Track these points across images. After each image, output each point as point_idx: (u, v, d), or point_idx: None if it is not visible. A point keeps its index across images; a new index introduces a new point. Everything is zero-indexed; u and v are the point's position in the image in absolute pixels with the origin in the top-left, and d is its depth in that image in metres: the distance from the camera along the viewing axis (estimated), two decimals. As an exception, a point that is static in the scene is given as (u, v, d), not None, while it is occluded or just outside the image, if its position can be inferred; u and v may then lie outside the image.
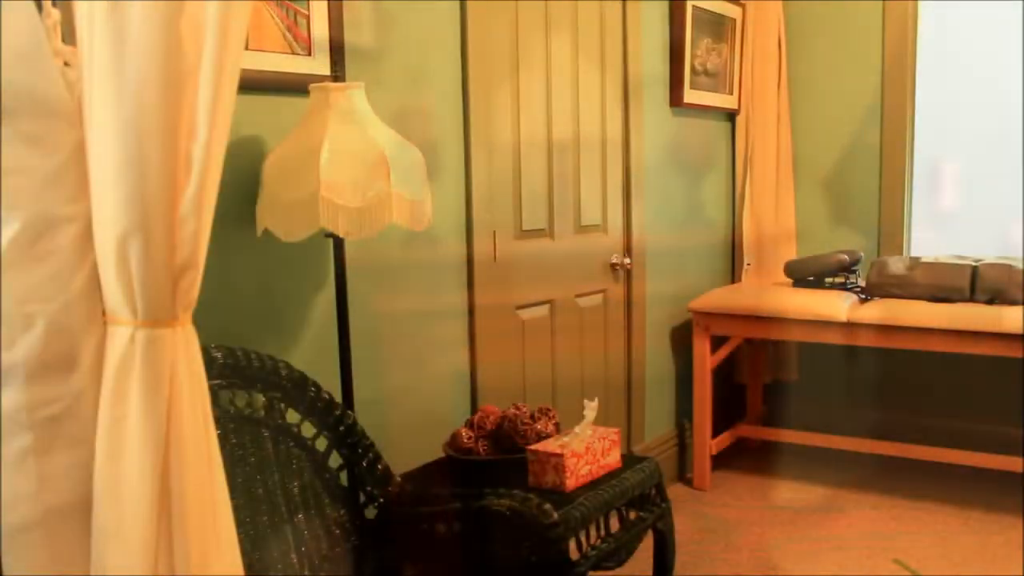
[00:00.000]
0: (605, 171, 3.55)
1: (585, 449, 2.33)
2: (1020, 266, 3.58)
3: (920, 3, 4.39)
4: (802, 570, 3.29)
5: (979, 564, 3.33)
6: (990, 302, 3.56)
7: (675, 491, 4.10)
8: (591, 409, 2.38)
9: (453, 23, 2.77)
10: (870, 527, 3.67)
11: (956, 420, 4.45)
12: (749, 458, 4.53)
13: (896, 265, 3.83)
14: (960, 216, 4.40)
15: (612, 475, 2.40)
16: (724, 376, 4.63)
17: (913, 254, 4.44)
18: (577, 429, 2.36)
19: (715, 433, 4.28)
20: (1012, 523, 3.68)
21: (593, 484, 2.33)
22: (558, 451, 2.28)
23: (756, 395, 4.62)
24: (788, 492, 4.06)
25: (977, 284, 3.60)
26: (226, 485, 1.41)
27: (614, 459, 2.45)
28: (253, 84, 2.19)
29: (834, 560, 3.38)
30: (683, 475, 4.26)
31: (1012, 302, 3.52)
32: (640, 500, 2.48)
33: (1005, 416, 4.36)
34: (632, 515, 2.45)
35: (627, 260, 3.64)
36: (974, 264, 3.66)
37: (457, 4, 2.78)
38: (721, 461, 4.44)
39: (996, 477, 4.19)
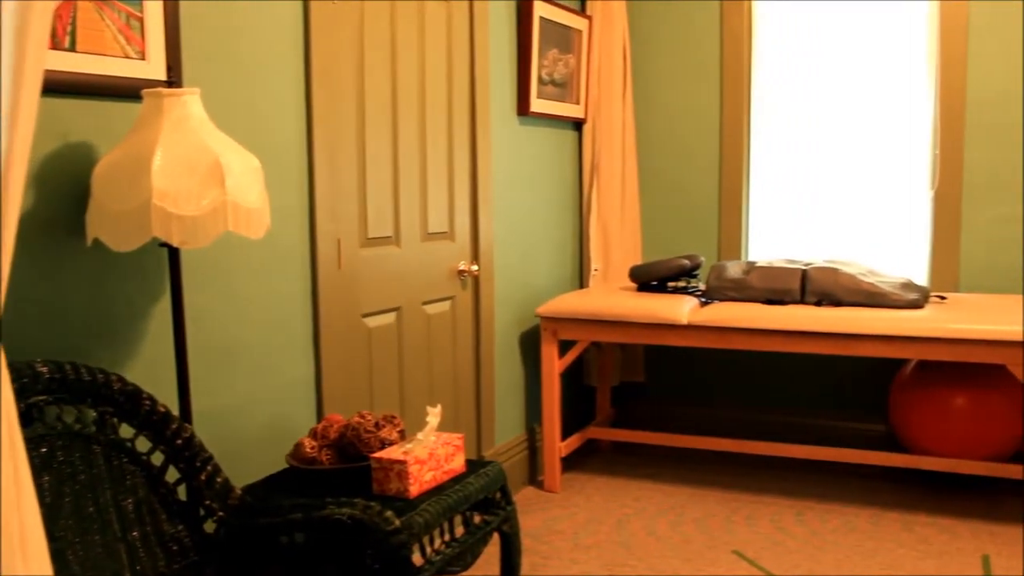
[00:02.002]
0: (452, 178, 3.58)
1: (428, 455, 2.35)
2: (846, 270, 3.80)
3: (756, 22, 4.61)
4: (648, 566, 3.39)
5: (811, 550, 3.51)
6: (818, 304, 3.76)
7: (526, 494, 4.17)
8: (434, 415, 2.40)
9: (296, 27, 2.74)
10: (712, 521, 3.81)
11: (793, 416, 4.69)
12: (599, 459, 4.64)
13: (733, 269, 4.00)
14: (792, 221, 4.62)
15: (456, 480, 2.42)
16: (573, 379, 4.73)
17: (750, 258, 4.65)
18: (420, 435, 2.37)
19: (565, 436, 4.37)
20: (841, 512, 3.89)
21: (437, 490, 2.35)
22: (401, 458, 2.28)
23: (605, 397, 4.74)
24: (636, 491, 4.18)
25: (807, 287, 3.79)
26: (37, 507, 1.35)
27: (458, 464, 2.47)
28: (83, 89, 2.12)
29: (678, 554, 3.50)
30: (534, 478, 4.33)
31: (838, 303, 3.74)
32: (485, 504, 2.51)
33: (837, 411, 4.61)
34: (477, 519, 2.48)
35: (474, 267, 3.68)
36: (804, 268, 3.86)
37: (300, 7, 2.75)
38: (571, 463, 4.54)
39: (828, 469, 4.43)
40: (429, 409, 2.41)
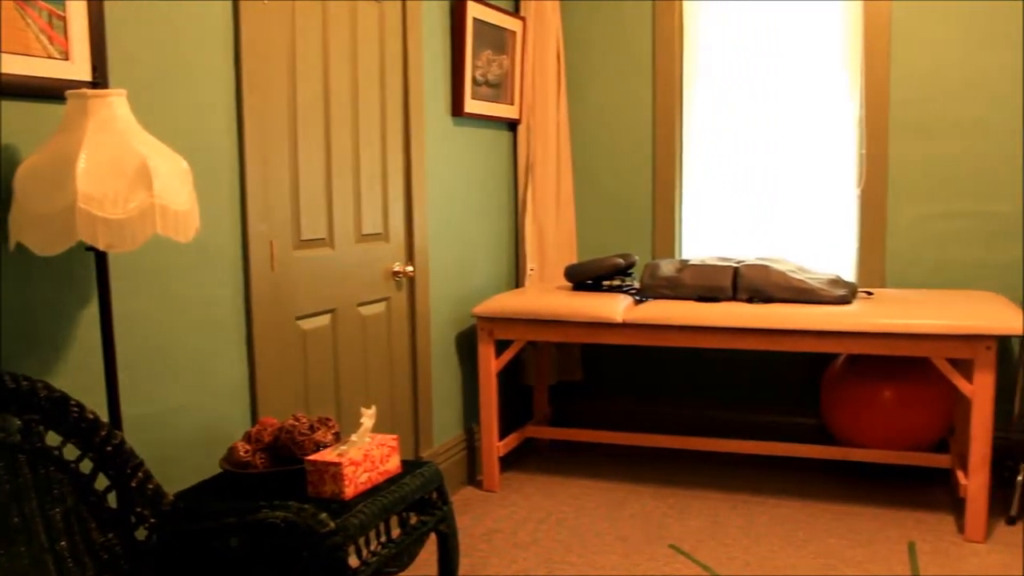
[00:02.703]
0: (386, 180, 3.57)
1: (363, 457, 2.34)
2: (776, 267, 3.87)
3: (687, 22, 4.67)
4: (586, 562, 3.42)
5: (745, 542, 3.57)
6: (750, 300, 3.83)
7: (465, 493, 4.17)
8: (368, 417, 2.39)
9: (226, 28, 2.71)
10: (649, 516, 3.86)
11: (727, 411, 4.76)
12: (537, 458, 4.66)
13: (666, 267, 4.05)
14: (724, 219, 4.69)
15: (392, 481, 2.42)
16: (511, 378, 4.75)
17: (684, 257, 4.71)
18: (355, 437, 2.37)
19: (503, 435, 4.39)
20: (775, 504, 3.97)
21: (373, 491, 2.34)
22: (336, 460, 2.28)
23: (542, 396, 4.76)
24: (575, 488, 4.21)
25: (739, 284, 3.86)
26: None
27: (394, 465, 2.47)
28: (4, 89, 2.08)
29: (616, 550, 3.53)
30: (473, 478, 4.34)
31: (769, 300, 3.81)
32: (421, 504, 2.51)
33: (771, 405, 4.69)
34: (413, 519, 2.48)
35: (409, 268, 3.68)
36: (736, 265, 3.92)
37: (230, 8, 2.73)
38: (510, 462, 4.56)
39: (762, 463, 4.51)
40: (364, 411, 2.41)
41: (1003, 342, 4.28)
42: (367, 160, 3.44)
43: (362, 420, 2.38)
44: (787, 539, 3.61)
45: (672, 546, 3.57)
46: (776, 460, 4.52)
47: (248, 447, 2.42)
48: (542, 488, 4.23)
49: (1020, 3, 4.13)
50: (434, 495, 2.56)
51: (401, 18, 3.65)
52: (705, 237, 4.74)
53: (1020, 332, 3.39)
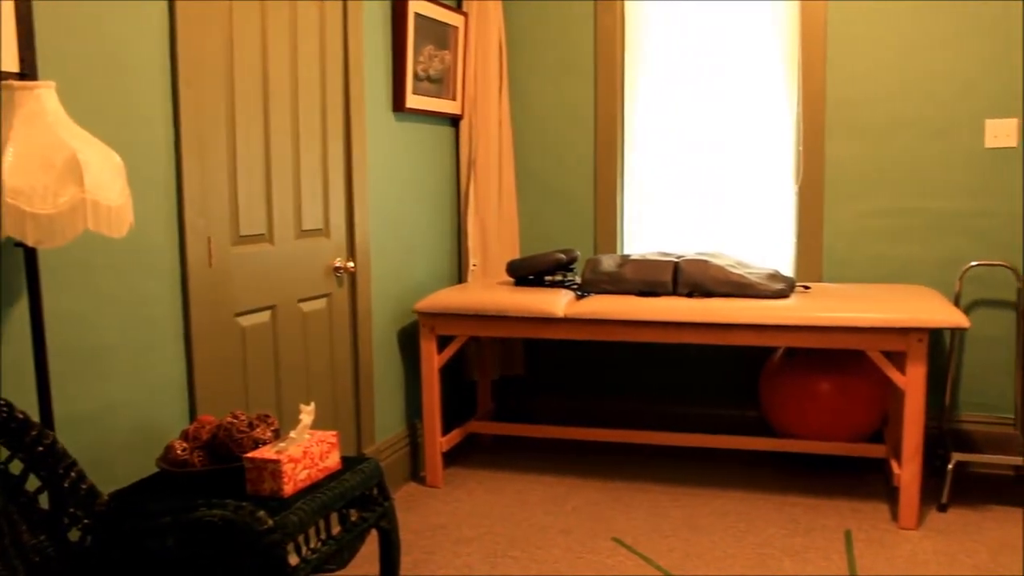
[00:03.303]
0: (327, 176, 3.54)
1: (303, 453, 2.33)
2: (716, 262, 3.92)
3: (628, 20, 4.70)
4: (529, 556, 3.43)
5: (687, 534, 3.61)
6: (690, 295, 3.87)
7: (409, 490, 4.16)
8: (307, 413, 2.37)
9: (161, 24, 2.67)
10: (592, 510, 3.88)
11: (669, 405, 4.81)
12: (481, 453, 4.67)
13: (607, 263, 4.07)
14: (665, 215, 4.73)
15: (332, 477, 2.41)
16: (454, 374, 4.75)
17: (625, 252, 4.75)
18: (293, 434, 2.35)
19: (446, 431, 4.38)
20: (715, 495, 4.02)
21: (312, 488, 2.33)
22: (275, 457, 2.26)
23: (485, 391, 4.76)
24: (518, 483, 4.22)
25: (679, 279, 3.89)
26: None
27: (333, 461, 2.46)
28: (-74, 82, 2.02)
29: (559, 544, 3.55)
30: (417, 474, 4.33)
31: (708, 294, 3.85)
32: (362, 500, 2.50)
33: (712, 398, 4.75)
34: (354, 516, 2.47)
35: (351, 264, 3.65)
36: (676, 260, 3.96)
37: (165, 5, 2.68)
38: (453, 458, 4.56)
39: (704, 455, 4.56)
40: (303, 407, 2.39)
41: (935, 335, 4.38)
42: (307, 156, 3.41)
43: (301, 417, 2.37)
44: (727, 530, 3.66)
45: (615, 539, 3.60)
46: (717, 452, 4.58)
47: (185, 445, 2.39)
48: (485, 483, 4.23)
49: (951, 4, 4.23)
50: (375, 491, 2.55)
51: (342, 13, 3.62)
52: (647, 232, 4.77)
53: (950, 325, 3.47)
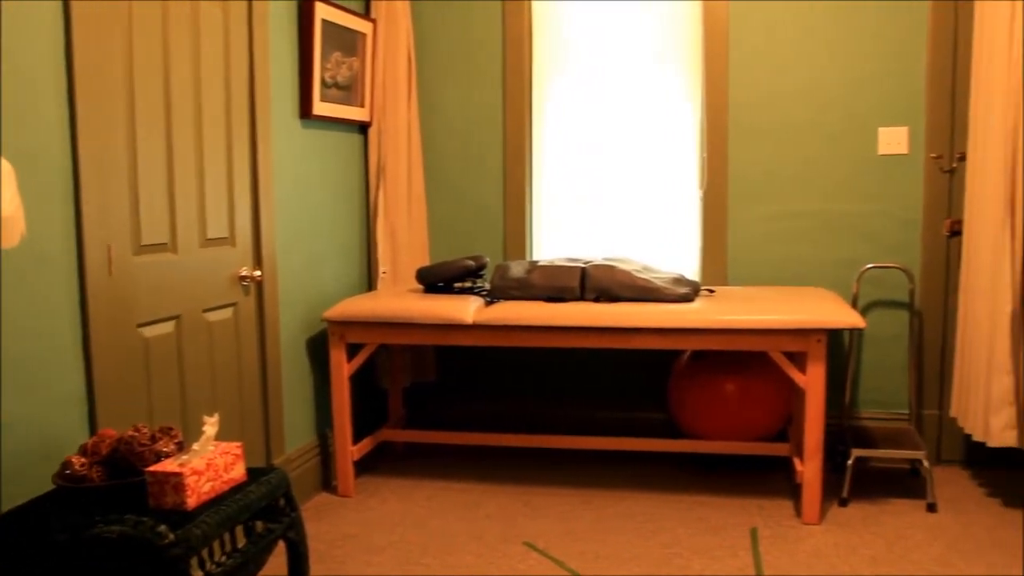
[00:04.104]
0: (232, 183, 3.50)
1: (206, 466, 2.29)
2: (622, 267, 3.98)
3: (536, 25, 4.75)
4: (442, 563, 3.43)
5: (597, 536, 3.66)
6: (597, 300, 3.92)
7: (320, 500, 4.13)
8: (211, 425, 2.34)
9: (55, 25, 2.60)
10: (504, 515, 3.90)
11: (581, 409, 4.85)
12: (393, 461, 4.65)
13: (516, 269, 4.10)
14: (575, 220, 4.79)
15: (237, 489, 2.38)
16: (365, 382, 4.72)
17: (535, 258, 4.78)
18: (197, 446, 2.32)
19: (357, 439, 4.36)
20: (626, 497, 4.07)
21: (217, 500, 2.30)
22: (177, 470, 2.22)
23: (397, 399, 4.75)
24: (430, 490, 4.22)
25: (586, 284, 3.94)
26: None
27: (238, 473, 2.43)
28: None
29: (471, 550, 3.56)
30: (328, 483, 4.30)
31: (615, 299, 3.91)
32: (268, 511, 2.48)
33: (622, 402, 4.81)
34: (260, 527, 2.44)
35: (257, 272, 3.61)
36: (583, 266, 4.01)
37: (59, 6, 2.62)
38: (365, 466, 4.53)
39: (614, 458, 4.62)
40: (206, 419, 2.36)
41: (834, 335, 4.52)
42: (212, 163, 3.36)
43: (204, 428, 2.33)
44: (637, 531, 3.71)
45: (526, 543, 3.63)
46: (627, 455, 4.64)
47: (84, 460, 2.33)
48: (397, 491, 4.22)
49: (848, 14, 4.37)
50: (282, 502, 2.53)
51: (246, 18, 3.58)
52: (557, 238, 4.82)
53: (847, 325, 3.59)
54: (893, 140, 4.37)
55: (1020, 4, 3.59)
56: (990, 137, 3.74)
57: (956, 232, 4.30)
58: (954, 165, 4.30)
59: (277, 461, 3.82)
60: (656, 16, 4.61)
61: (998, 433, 3.73)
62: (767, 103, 4.50)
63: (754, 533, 3.67)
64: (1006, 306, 3.66)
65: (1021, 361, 3.71)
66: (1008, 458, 4.30)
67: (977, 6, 3.86)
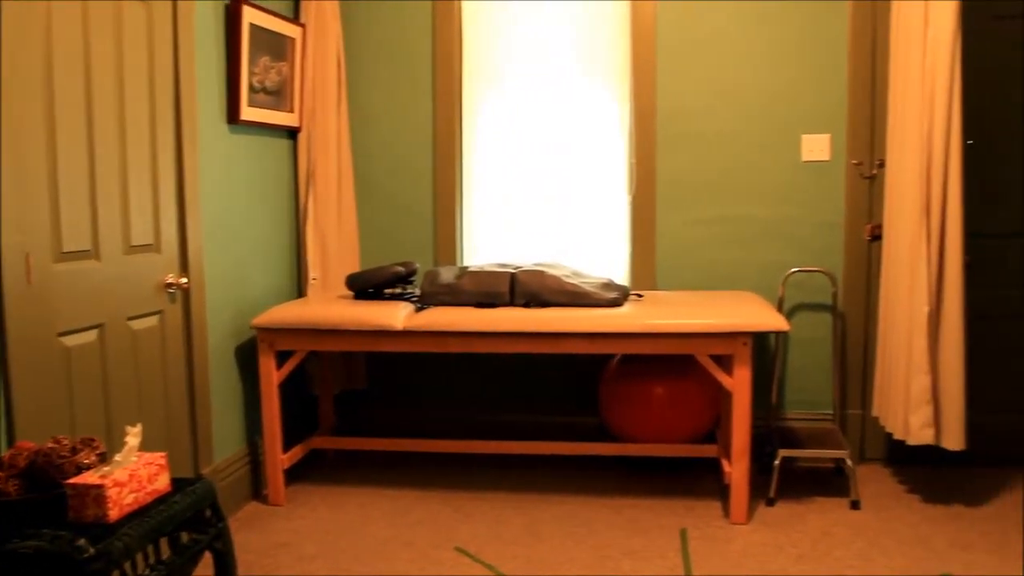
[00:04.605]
0: (157, 189, 3.44)
1: (129, 477, 2.26)
2: (551, 272, 4.00)
3: (465, 31, 4.76)
4: (372, 570, 3.42)
5: (529, 540, 3.67)
6: (526, 305, 3.94)
7: (250, 509, 4.08)
8: (133, 435, 2.31)
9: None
10: (435, 520, 3.90)
11: (514, 414, 4.87)
12: (324, 469, 4.62)
13: (446, 274, 4.11)
14: (505, 225, 4.81)
15: (161, 500, 2.34)
16: (296, 389, 4.68)
17: (465, 263, 4.79)
18: (119, 457, 2.28)
19: (287, 447, 4.31)
20: (557, 502, 4.10)
21: (140, 512, 2.26)
22: (98, 482, 2.18)
23: (328, 406, 4.72)
24: (361, 497, 4.20)
25: (516, 289, 3.96)
26: None
27: (163, 484, 2.39)
28: None
29: (402, 556, 3.55)
30: (259, 492, 4.25)
31: (544, 304, 3.93)
32: (194, 522, 2.45)
33: (554, 406, 4.84)
34: (185, 538, 2.41)
35: (184, 280, 3.56)
36: (513, 271, 4.03)
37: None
38: (296, 474, 4.49)
39: (547, 463, 4.65)
40: (129, 429, 2.32)
41: (760, 338, 4.60)
42: (136, 169, 3.30)
43: (127, 439, 2.30)
44: (569, 535, 3.74)
45: (458, 549, 3.63)
46: (559, 459, 4.67)
47: (0, 474, 2.28)
48: (328, 499, 4.19)
49: (771, 24, 4.47)
50: (208, 512, 2.50)
51: (172, 21, 3.53)
52: (487, 244, 4.84)
53: (772, 328, 3.67)
54: (816, 147, 4.48)
55: (933, 10, 3.70)
56: (907, 144, 3.85)
57: (877, 236, 4.41)
58: (874, 171, 4.41)
59: (205, 471, 3.77)
60: (587, 24, 4.65)
61: (917, 431, 3.83)
62: (694, 110, 4.57)
63: (684, 534, 3.73)
64: (923, 307, 3.76)
65: (938, 361, 3.82)
66: (927, 455, 4.42)
67: (893, 16, 3.97)
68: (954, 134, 3.73)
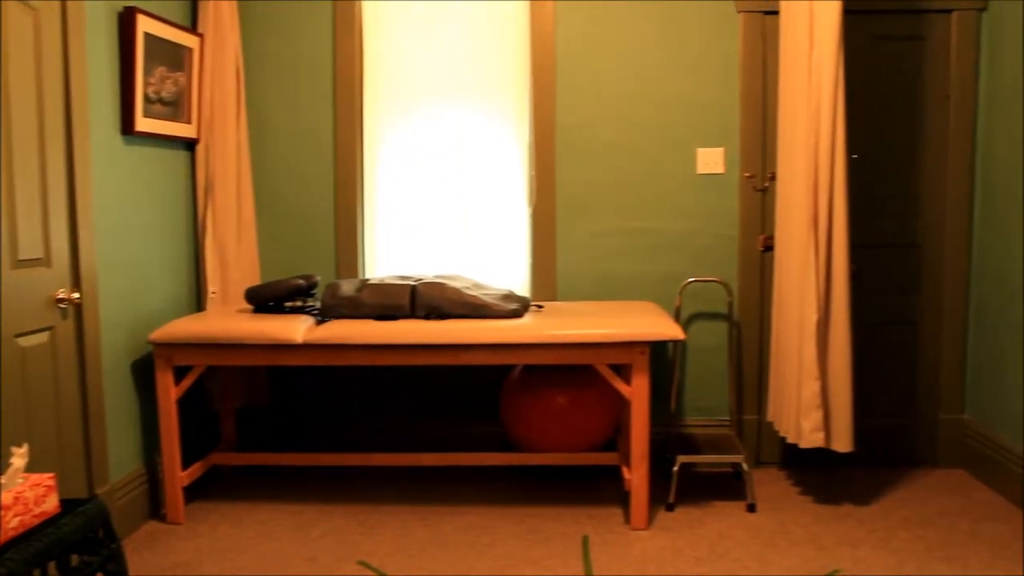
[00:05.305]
0: (47, 201, 3.36)
1: (14, 500, 2.20)
2: (452, 284, 4.03)
3: (368, 44, 4.76)
4: (274, 587, 3.39)
5: (433, 551, 3.68)
6: (427, 317, 3.96)
7: (148, 528, 4.00)
8: (19, 456, 2.25)
9: None
10: (338, 535, 3.88)
11: (418, 426, 4.87)
12: (225, 486, 4.55)
13: (346, 287, 4.09)
14: (408, 238, 4.81)
15: (49, 523, 2.29)
16: (195, 405, 4.60)
17: (369, 276, 4.78)
18: (3, 479, 2.22)
19: (187, 464, 4.24)
20: (461, 512, 4.12)
21: (26, 536, 2.21)
22: (-19, 505, 2.13)
23: (228, 422, 4.65)
24: (263, 513, 4.15)
25: (416, 301, 3.97)
26: None
27: (51, 505, 2.34)
28: None
29: (305, 572, 3.52)
30: (157, 511, 4.16)
31: (445, 316, 3.95)
32: (85, 544, 2.40)
33: (459, 417, 4.86)
34: (75, 561, 2.36)
35: (76, 294, 3.48)
36: (414, 284, 4.03)
37: None
38: (196, 492, 4.41)
39: (451, 473, 4.66)
40: (14, 450, 2.26)
41: (659, 347, 4.70)
42: (23, 181, 3.21)
43: (12, 460, 2.24)
44: (471, 545, 3.76)
45: (360, 562, 3.59)
46: (462, 470, 4.69)
47: None
48: (229, 516, 4.13)
49: (666, 38, 4.58)
50: (100, 533, 2.45)
51: (61, 28, 3.44)
52: (389, 256, 4.83)
53: (668, 337, 3.75)
54: (710, 160, 4.60)
55: (817, 29, 3.85)
56: (795, 158, 3.99)
57: (769, 247, 4.55)
58: (766, 184, 4.55)
59: (100, 491, 3.67)
60: (488, 41, 4.70)
61: (808, 435, 3.97)
62: (593, 123, 4.65)
63: (585, 541, 3.74)
64: (812, 315, 3.90)
65: (827, 367, 3.97)
66: (819, 458, 4.58)
67: (780, 34, 4.12)
68: (839, 148, 3.88)
